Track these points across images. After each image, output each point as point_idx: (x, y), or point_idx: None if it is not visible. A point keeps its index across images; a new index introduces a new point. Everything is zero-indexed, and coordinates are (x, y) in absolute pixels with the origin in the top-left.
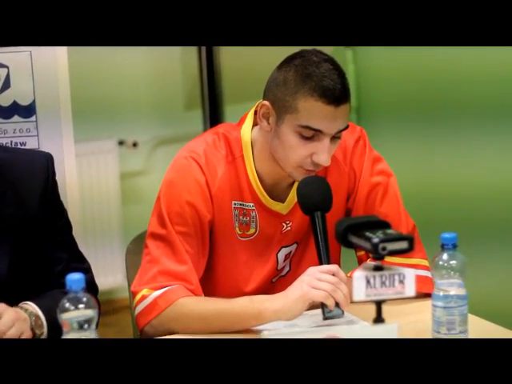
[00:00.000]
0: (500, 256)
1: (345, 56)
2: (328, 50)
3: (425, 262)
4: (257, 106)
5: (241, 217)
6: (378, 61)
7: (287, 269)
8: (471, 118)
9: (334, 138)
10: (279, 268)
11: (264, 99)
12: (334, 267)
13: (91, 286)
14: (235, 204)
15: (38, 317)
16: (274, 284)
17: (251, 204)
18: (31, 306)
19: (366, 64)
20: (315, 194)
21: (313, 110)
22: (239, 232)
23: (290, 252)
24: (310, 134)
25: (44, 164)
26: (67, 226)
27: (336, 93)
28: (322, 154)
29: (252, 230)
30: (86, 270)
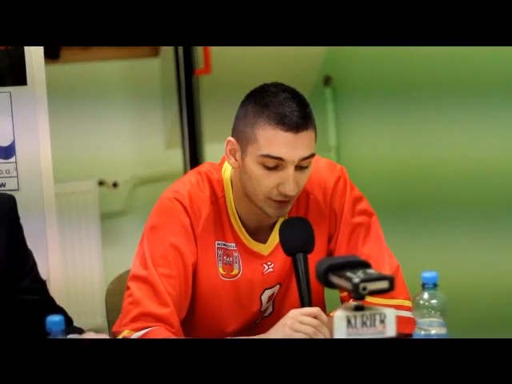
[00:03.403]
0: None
1: (324, 94)
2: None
3: (408, 303)
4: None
5: (225, 257)
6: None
7: (270, 309)
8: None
9: (301, 167)
10: (263, 309)
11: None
12: (315, 310)
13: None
14: (219, 244)
15: None
16: (256, 325)
17: (233, 244)
18: None
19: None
20: (297, 236)
21: (271, 139)
22: (223, 272)
23: (273, 293)
24: (273, 164)
25: (6, 209)
26: (33, 269)
27: (293, 119)
28: (287, 183)
29: (235, 271)
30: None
